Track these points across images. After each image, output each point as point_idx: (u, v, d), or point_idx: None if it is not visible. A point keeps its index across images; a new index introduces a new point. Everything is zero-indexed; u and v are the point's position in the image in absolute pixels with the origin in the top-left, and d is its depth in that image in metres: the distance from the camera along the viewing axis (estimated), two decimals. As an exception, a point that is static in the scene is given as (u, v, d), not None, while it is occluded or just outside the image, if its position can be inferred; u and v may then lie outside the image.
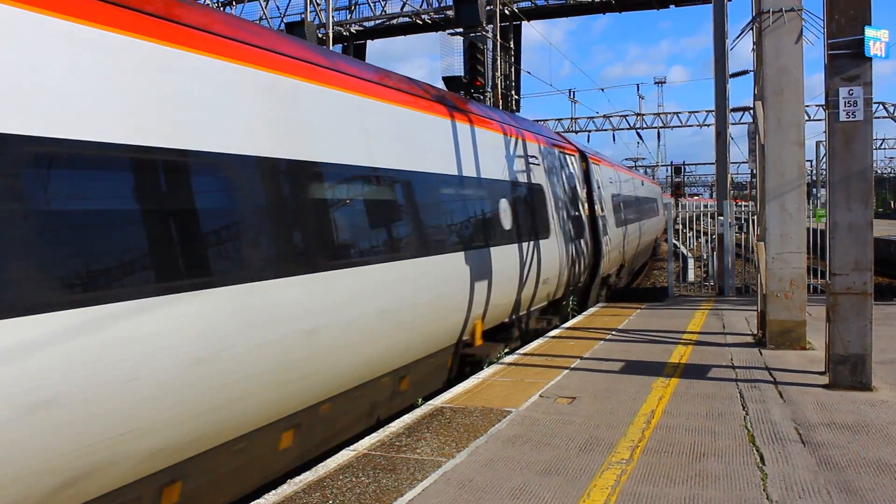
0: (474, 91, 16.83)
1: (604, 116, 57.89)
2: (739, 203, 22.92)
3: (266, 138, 6.69)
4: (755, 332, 11.78)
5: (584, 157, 18.00)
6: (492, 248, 10.93)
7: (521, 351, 11.00)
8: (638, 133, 59.36)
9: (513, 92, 20.91)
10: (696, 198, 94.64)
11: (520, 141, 13.18)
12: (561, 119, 59.54)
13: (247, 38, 6.92)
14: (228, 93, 6.40)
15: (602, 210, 18.31)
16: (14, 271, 4.71)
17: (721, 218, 16.58)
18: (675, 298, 16.07)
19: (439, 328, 9.47)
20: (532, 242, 12.66)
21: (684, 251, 27.38)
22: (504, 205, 11.78)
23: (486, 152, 11.49)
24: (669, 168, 76.50)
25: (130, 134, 5.47)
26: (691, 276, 21.61)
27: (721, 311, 14.09)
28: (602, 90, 76.75)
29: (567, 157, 16.33)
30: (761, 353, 10.39)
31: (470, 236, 10.40)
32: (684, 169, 67.24)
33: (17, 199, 4.76)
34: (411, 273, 8.65)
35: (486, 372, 9.75)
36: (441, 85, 19.40)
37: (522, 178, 12.86)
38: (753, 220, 15.20)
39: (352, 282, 7.54)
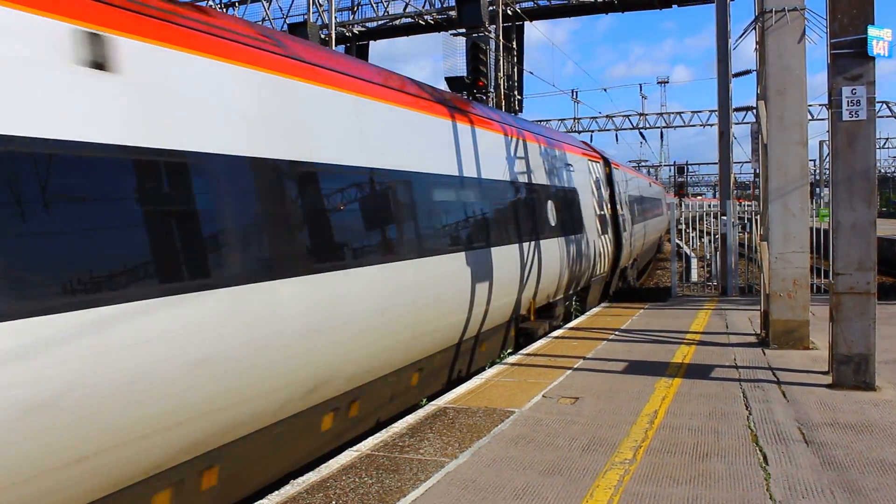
0: (477, 91, 16.83)
1: (607, 116, 57.72)
2: (742, 203, 22.97)
3: (357, 148, 8.21)
4: (758, 331, 11.77)
5: (607, 162, 20.30)
6: (541, 241, 13.10)
7: (525, 351, 11.00)
8: (641, 133, 59.07)
9: (515, 92, 20.88)
10: (699, 198, 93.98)
11: (561, 152, 15.57)
12: (564, 119, 59.33)
13: (344, 67, 8.55)
14: (340, 116, 8.05)
15: (621, 209, 20.26)
16: (186, 256, 5.79)
17: (724, 218, 16.62)
18: (678, 298, 16.07)
19: (504, 304, 11.61)
20: (571, 236, 14.80)
21: (687, 251, 27.33)
22: (550, 205, 13.94)
23: (538, 162, 13.78)
24: (672, 168, 75.95)
25: (291, 151, 7.10)
26: (694, 276, 21.61)
27: (724, 311, 14.08)
28: (605, 90, 76.71)
29: (595, 164, 18.61)
30: (764, 353, 10.38)
31: (528, 231, 12.58)
32: (687, 169, 66.48)
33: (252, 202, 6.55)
34: (488, 259, 10.92)
35: (490, 372, 9.75)
36: (443, 85, 19.48)
37: (563, 183, 15.07)
38: (756, 220, 15.16)
39: (458, 263, 9.97)
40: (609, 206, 19.22)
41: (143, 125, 5.60)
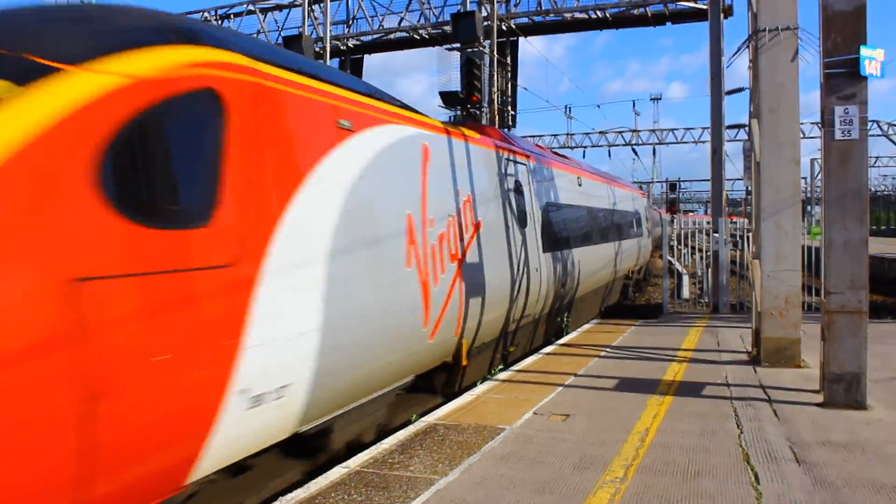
0: (470, 106, 16.84)
1: (599, 132, 57.67)
2: (734, 220, 22.96)
3: (565, 196, 15.75)
4: (750, 349, 11.76)
5: (645, 195, 29.45)
6: (616, 242, 20.65)
7: (515, 368, 10.96)
8: (633, 149, 58.26)
9: (509, 108, 20.92)
10: (691, 214, 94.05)
11: (624, 191, 24.57)
12: (557, 135, 59.07)
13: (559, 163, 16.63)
14: (570, 183, 16.42)
15: (646, 226, 27.83)
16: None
17: (716, 235, 16.65)
18: (669, 315, 16.07)
19: (600, 278, 18.36)
20: (628, 241, 22.89)
21: (679, 268, 27.29)
22: (627, 225, 23.43)
23: (615, 199, 22.08)
24: (665, 184, 75.11)
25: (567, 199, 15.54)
26: (686, 293, 21.59)
27: (716, 329, 14.08)
28: (598, 106, 77.08)
29: (639, 197, 27.78)
30: (756, 371, 10.37)
31: (615, 234, 20.76)
32: (679, 185, 65.54)
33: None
34: (594, 253, 17.55)
35: (480, 389, 9.72)
36: (437, 99, 19.56)
37: (630, 209, 24.55)
38: (748, 237, 15.20)
39: (606, 250, 18.96)
40: (644, 225, 27.39)
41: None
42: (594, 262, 17.10)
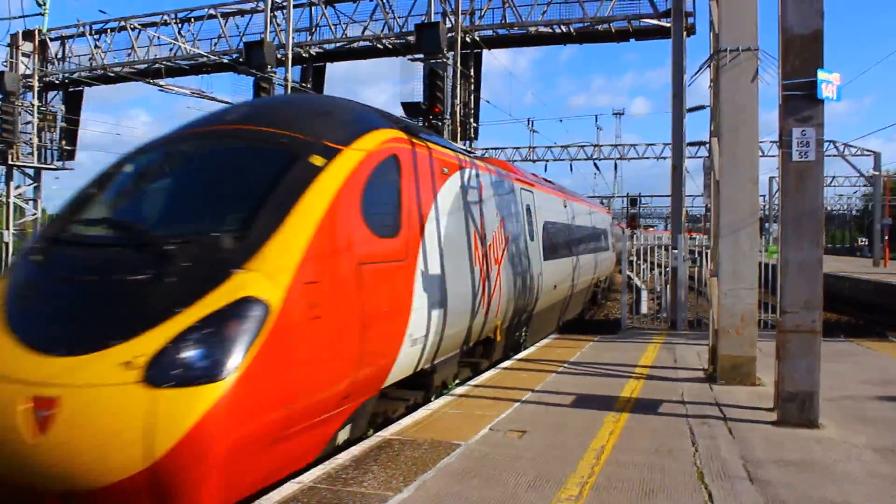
0: (433, 118, 16.81)
1: (561, 147, 57.86)
2: (694, 236, 23.18)
3: (567, 217, 19.72)
4: (706, 366, 11.82)
5: (611, 215, 35.46)
6: (592, 254, 23.43)
7: (473, 382, 10.91)
8: (595, 164, 58.36)
9: (472, 120, 20.92)
10: (651, 230, 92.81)
11: (600, 213, 29.16)
12: (519, 147, 59.14)
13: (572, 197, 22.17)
14: (559, 205, 19.01)
15: (611, 241, 30.39)
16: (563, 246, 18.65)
17: (675, 251, 16.73)
18: (628, 331, 16.12)
19: (588, 280, 22.51)
20: (599, 254, 25.11)
21: (638, 283, 27.29)
22: (598, 238, 25.68)
23: (589, 217, 24.70)
24: (626, 199, 75.34)
25: (569, 220, 20.18)
26: (644, 309, 21.75)
27: (673, 345, 14.15)
28: (560, 121, 77.43)
29: (605, 215, 31.47)
30: (712, 389, 10.40)
31: (590, 248, 23.28)
32: (640, 201, 65.28)
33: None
34: (576, 262, 20.53)
35: (437, 403, 9.65)
36: (399, 111, 19.44)
37: (600, 227, 26.98)
38: (707, 254, 15.40)
39: (587, 260, 22.50)
40: (610, 239, 30.08)
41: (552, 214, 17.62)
42: (580, 269, 20.95)
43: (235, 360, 5.94)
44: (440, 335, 9.76)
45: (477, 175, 12.00)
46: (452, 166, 10.84)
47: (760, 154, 11.44)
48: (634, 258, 24.96)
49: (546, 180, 19.72)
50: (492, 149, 57.78)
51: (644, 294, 24.52)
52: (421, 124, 17.64)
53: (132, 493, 5.61)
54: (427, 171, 9.75)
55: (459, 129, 19.03)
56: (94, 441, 5.62)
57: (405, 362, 8.80)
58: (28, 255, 6.93)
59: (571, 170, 61.86)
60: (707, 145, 13.23)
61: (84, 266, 6.53)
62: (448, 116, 18.11)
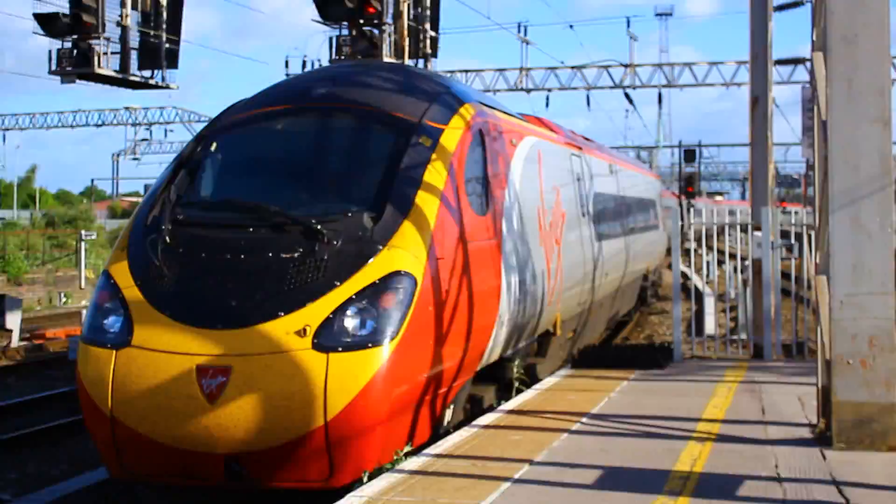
0: (364, 21, 12.36)
1: (573, 68, 39.00)
2: (788, 208, 17.61)
3: (615, 186, 17.24)
4: (814, 420, 7.70)
5: (659, 178, 28.73)
6: (641, 234, 20.05)
7: (436, 450, 6.91)
8: (627, 96, 39.49)
9: (427, 26, 15.72)
10: (718, 199, 67.81)
11: (648, 178, 24.73)
12: (504, 69, 39.48)
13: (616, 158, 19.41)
14: (606, 170, 16.45)
15: (661, 216, 25.10)
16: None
17: (759, 233, 11.62)
18: (683, 363, 11.37)
19: (637, 270, 19.85)
20: (648, 233, 21.60)
21: (699, 285, 18.72)
22: (647, 212, 22.02)
23: (641, 186, 21.74)
24: (677, 151, 49.10)
25: (618, 189, 17.58)
26: (711, 327, 14.53)
27: (759, 385, 9.63)
28: (570, 27, 59.66)
29: (654, 181, 26.36)
30: (825, 457, 6.54)
31: (639, 226, 19.84)
32: (700, 153, 40.77)
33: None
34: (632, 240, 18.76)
35: (376, 487, 5.87)
36: (312, 11, 13.95)
37: (648, 197, 22.97)
38: (811, 238, 10.08)
39: (636, 242, 19.17)
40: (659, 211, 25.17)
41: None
42: (630, 254, 17.72)
43: (394, 328, 6.65)
44: (520, 319, 9.32)
45: (537, 143, 10.98)
46: (518, 136, 10.24)
47: (893, 78, 7.42)
48: (693, 245, 15.08)
49: (574, 134, 15.42)
50: (462, 72, 38.98)
51: (710, 303, 16.41)
52: (347, 34, 13.44)
53: (305, 450, 6.38)
54: (501, 144, 9.43)
55: (408, 40, 13.94)
56: (269, 404, 6.33)
57: (493, 346, 8.61)
58: (155, 237, 7.17)
59: (589, 104, 42.31)
60: (808, 64, 9.09)
61: (232, 247, 7.00)
62: (390, 20, 13.21)
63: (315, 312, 6.55)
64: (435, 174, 7.60)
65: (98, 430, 6.77)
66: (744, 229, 13.54)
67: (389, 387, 6.56)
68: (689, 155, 35.67)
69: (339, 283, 6.69)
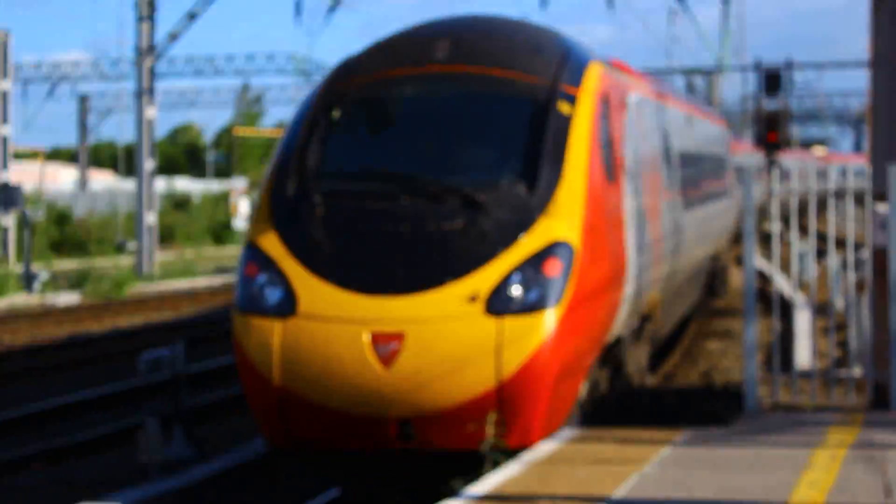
0: None
1: None
2: None
3: (693, 141, 14.94)
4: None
5: (726, 124, 23.38)
6: (714, 203, 17.28)
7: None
8: None
9: None
10: (820, 151, 48.31)
11: (715, 127, 19.46)
12: None
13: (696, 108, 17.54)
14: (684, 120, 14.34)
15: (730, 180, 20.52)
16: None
17: (884, 207, 8.14)
18: (760, 417, 7.91)
19: (709, 249, 16.69)
20: (719, 202, 18.39)
21: (785, 289, 13.97)
22: (718, 175, 18.47)
23: (711, 139, 18.29)
24: (752, 77, 32.91)
25: (696, 146, 15.13)
26: (805, 359, 10.41)
27: (882, 452, 6.55)
28: None
29: (722, 131, 21.28)
30: None
31: (711, 192, 16.97)
32: (791, 79, 28.60)
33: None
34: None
35: None
36: None
37: (718, 153, 19.05)
38: None
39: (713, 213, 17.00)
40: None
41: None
42: (708, 227, 15.54)
43: (558, 294, 6.91)
44: (636, 296, 8.95)
45: (638, 100, 10.31)
46: (625, 92, 9.71)
47: None
48: (777, 227, 9.54)
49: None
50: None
51: (803, 319, 11.33)
52: None
53: (478, 411, 6.61)
54: (619, 105, 9.11)
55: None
56: (443, 367, 6.61)
57: (618, 322, 8.37)
58: (306, 209, 7.24)
59: (611, 5, 27.36)
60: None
61: (392, 216, 7.15)
62: None
63: (483, 279, 6.82)
64: (577, 143, 7.68)
65: (262, 400, 6.92)
66: (859, 200, 9.30)
67: (557, 351, 6.87)
68: (772, 82, 23.29)
69: (503, 251, 6.96)
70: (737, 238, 19.46)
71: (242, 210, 31.28)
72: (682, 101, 15.39)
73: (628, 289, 8.52)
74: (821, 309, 12.55)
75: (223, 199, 47.14)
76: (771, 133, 19.87)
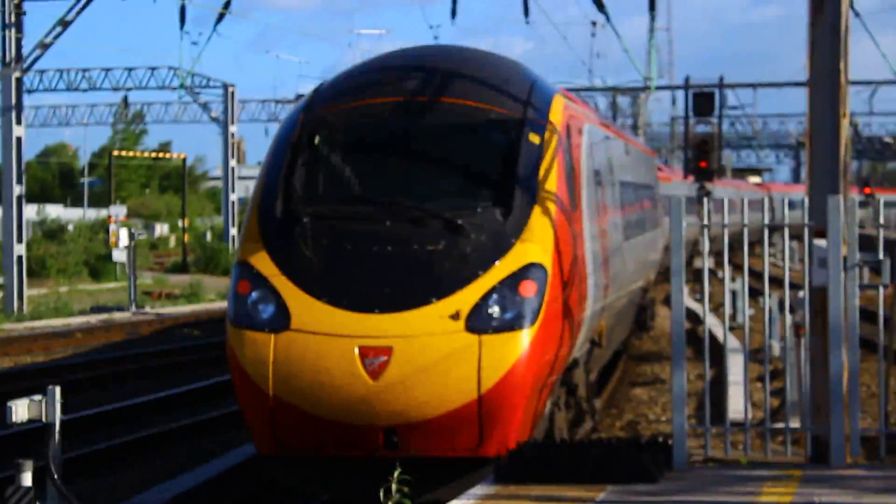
0: None
1: None
2: (876, 196, 10.60)
3: (630, 171, 15.39)
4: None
5: (655, 154, 26.24)
6: (644, 235, 16.93)
7: None
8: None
9: None
10: (755, 180, 45.29)
11: (645, 155, 20.15)
12: None
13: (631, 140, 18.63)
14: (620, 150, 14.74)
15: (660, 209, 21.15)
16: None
17: (823, 243, 7.54)
18: (690, 473, 7.32)
19: (640, 281, 16.43)
20: (648, 234, 17.98)
21: (718, 333, 13.20)
22: (651, 205, 19.02)
23: (642, 168, 18.62)
24: (682, 97, 31.85)
25: (632, 175, 15.53)
26: (738, 409, 8.92)
27: None
28: None
29: (651, 159, 22.15)
30: None
31: (643, 222, 16.97)
32: (723, 101, 25.64)
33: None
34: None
35: None
36: None
37: (647, 183, 19.16)
38: None
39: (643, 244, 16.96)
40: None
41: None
42: (640, 257, 15.54)
43: (534, 314, 7.47)
44: (591, 319, 9.41)
45: (590, 130, 10.84)
46: (581, 122, 10.26)
47: None
48: (707, 262, 8.32)
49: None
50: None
51: (737, 365, 11.55)
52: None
53: (459, 421, 7.19)
54: (577, 136, 9.69)
55: None
56: (428, 380, 7.16)
57: (578, 343, 8.88)
58: (295, 230, 7.72)
59: (527, 13, 22.89)
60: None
61: (378, 238, 7.66)
62: None
63: (464, 298, 7.37)
64: (547, 171, 8.27)
65: (254, 408, 7.42)
66: (797, 235, 9.05)
67: (531, 366, 7.45)
68: (703, 102, 20.59)
69: (482, 273, 7.50)
70: (665, 274, 18.81)
71: (122, 241, 28.14)
72: (617, 130, 15.68)
73: (587, 312, 8.99)
74: (754, 354, 12.35)
75: (101, 229, 43.53)
76: (701, 160, 18.72)
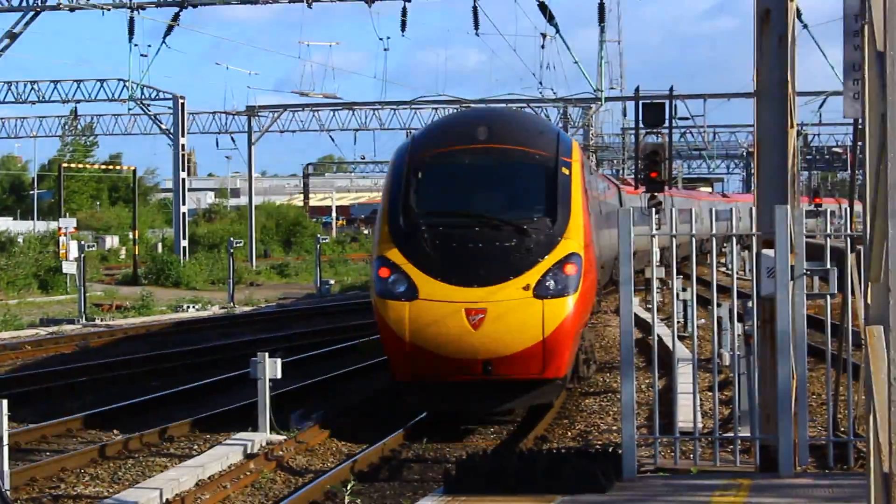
0: None
1: None
2: (824, 206, 11.46)
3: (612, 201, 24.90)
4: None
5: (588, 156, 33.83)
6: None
7: None
8: (543, 4, 26.83)
9: None
10: (705, 191, 45.55)
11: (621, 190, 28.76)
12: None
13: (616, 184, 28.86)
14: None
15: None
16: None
17: (769, 252, 7.70)
18: (639, 482, 7.45)
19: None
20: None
21: (668, 342, 12.47)
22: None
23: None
24: (632, 107, 32.14)
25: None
26: (686, 416, 8.99)
27: None
28: None
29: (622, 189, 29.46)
30: None
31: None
32: (674, 111, 25.09)
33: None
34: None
35: None
36: None
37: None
38: (861, 259, 5.34)
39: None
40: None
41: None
42: (608, 261, 20.52)
43: (575, 286, 11.64)
44: (599, 291, 16.15)
45: (586, 162, 15.76)
46: (584, 160, 15.01)
47: None
48: (657, 273, 11.53)
49: None
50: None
51: (686, 374, 10.76)
52: None
53: (530, 355, 11.33)
54: (585, 167, 14.58)
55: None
56: (510, 329, 11.32)
57: (592, 309, 14.33)
58: (416, 233, 11.85)
59: (477, 25, 25.65)
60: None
61: (472, 238, 11.85)
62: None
63: (531, 276, 11.47)
64: (575, 194, 12.37)
65: (396, 352, 11.60)
66: (745, 245, 9.35)
67: (574, 320, 11.63)
68: (654, 114, 20.10)
69: (541, 260, 11.60)
70: (613, 283, 19.76)
71: (72, 253, 26.78)
72: (595, 169, 23.81)
73: (599, 286, 13.64)
74: (703, 364, 12.83)
75: (51, 241, 42.85)
76: (652, 171, 18.53)
